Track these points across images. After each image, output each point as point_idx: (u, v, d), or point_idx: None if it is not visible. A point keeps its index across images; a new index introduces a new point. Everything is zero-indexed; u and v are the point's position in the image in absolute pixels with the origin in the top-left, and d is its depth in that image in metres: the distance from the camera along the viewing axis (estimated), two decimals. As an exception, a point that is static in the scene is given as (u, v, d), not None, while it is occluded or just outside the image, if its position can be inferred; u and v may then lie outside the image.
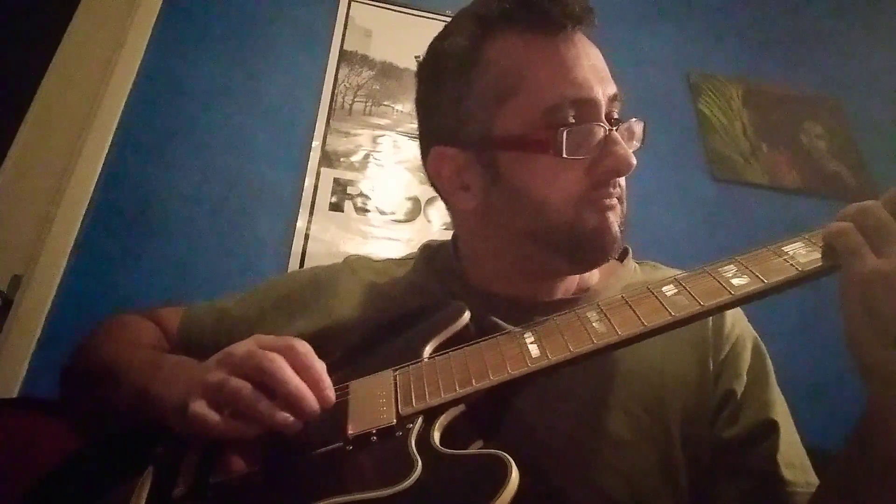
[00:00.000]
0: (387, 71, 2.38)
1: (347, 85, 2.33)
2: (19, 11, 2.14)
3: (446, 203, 0.97)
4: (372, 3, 2.48)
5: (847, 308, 0.59)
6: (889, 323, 0.56)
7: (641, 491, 0.77)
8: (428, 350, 0.76)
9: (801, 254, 0.63)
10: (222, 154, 2.10)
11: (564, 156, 0.79)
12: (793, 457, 0.80)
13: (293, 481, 0.68)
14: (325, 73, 2.31)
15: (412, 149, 2.18)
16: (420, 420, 0.67)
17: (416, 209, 2.17)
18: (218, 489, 0.69)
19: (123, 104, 2.07)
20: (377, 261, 1.07)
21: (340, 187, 2.15)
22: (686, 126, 2.55)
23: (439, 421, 0.67)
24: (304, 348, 0.73)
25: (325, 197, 2.12)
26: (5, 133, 1.97)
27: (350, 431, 0.68)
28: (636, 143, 0.86)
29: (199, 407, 0.69)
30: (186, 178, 2.03)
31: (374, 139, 2.26)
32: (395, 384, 0.73)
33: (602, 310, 0.69)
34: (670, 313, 0.65)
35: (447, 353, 0.75)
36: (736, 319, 0.90)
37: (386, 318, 0.88)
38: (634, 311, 0.67)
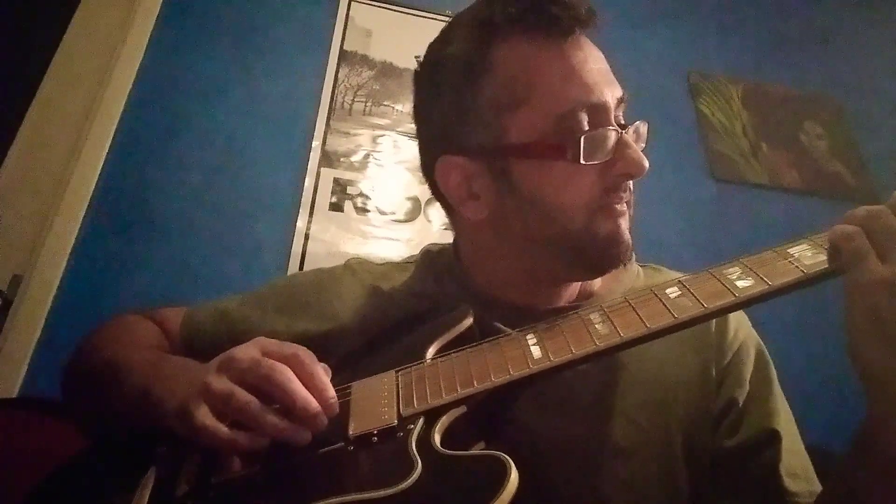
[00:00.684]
0: (387, 71, 2.38)
1: (347, 85, 2.33)
2: (19, 11, 2.14)
3: (452, 212, 0.95)
4: (372, 3, 2.48)
5: (851, 314, 0.59)
6: (893, 330, 0.56)
7: (642, 497, 0.77)
8: (431, 351, 0.76)
9: (807, 256, 0.63)
10: (222, 154, 2.10)
11: (583, 162, 0.78)
12: (796, 467, 0.79)
13: (294, 481, 0.68)
14: (325, 73, 2.31)
15: (412, 149, 2.17)
16: (421, 421, 0.67)
17: (416, 209, 2.17)
18: (219, 489, 0.69)
19: (123, 104, 2.07)
20: (378, 264, 1.06)
21: (340, 187, 2.15)
22: (686, 126, 2.55)
23: (441, 422, 0.67)
24: (309, 357, 0.72)
25: (325, 197, 2.12)
26: (5, 133, 1.97)
27: (351, 432, 0.68)
28: (642, 145, 0.86)
29: (205, 417, 0.68)
30: (186, 178, 2.03)
31: (374, 139, 2.26)
32: (398, 385, 0.73)
33: (605, 312, 0.69)
34: (673, 315, 0.65)
35: (449, 354, 0.75)
36: (740, 325, 0.89)
37: (389, 320, 0.88)
38: (637, 313, 0.67)
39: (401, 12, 2.48)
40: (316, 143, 2.19)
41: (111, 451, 0.83)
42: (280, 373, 0.69)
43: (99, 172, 1.96)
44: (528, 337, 0.71)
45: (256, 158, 2.12)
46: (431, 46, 0.92)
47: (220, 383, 0.69)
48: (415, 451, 0.64)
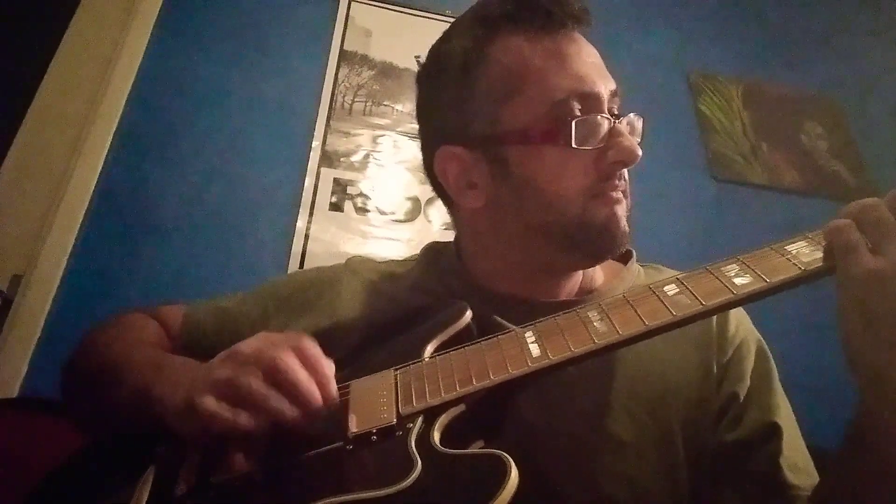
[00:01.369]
0: (387, 71, 2.38)
1: (347, 85, 2.33)
2: (19, 11, 2.14)
3: (451, 203, 0.97)
4: (372, 3, 2.48)
5: (842, 307, 0.59)
6: (883, 324, 0.56)
7: (643, 493, 0.77)
8: (429, 350, 0.76)
9: (805, 253, 0.63)
10: (222, 154, 2.09)
11: (574, 146, 0.80)
12: (797, 460, 0.80)
13: (293, 480, 0.68)
14: (325, 73, 2.31)
15: (412, 149, 2.18)
16: (420, 420, 0.67)
17: (416, 209, 2.17)
18: (219, 488, 0.69)
19: (123, 104, 2.07)
20: (379, 262, 1.07)
21: (340, 187, 2.15)
22: (686, 126, 2.55)
23: (440, 421, 0.67)
24: (312, 345, 0.73)
25: (325, 197, 2.12)
26: (5, 133, 1.97)
27: (350, 431, 0.68)
28: (637, 138, 0.87)
29: (208, 401, 0.68)
30: (186, 178, 2.03)
31: (374, 139, 2.26)
32: (396, 383, 0.73)
33: (603, 309, 0.69)
34: (672, 313, 0.65)
35: (448, 352, 0.75)
36: (740, 321, 0.90)
37: (387, 318, 0.88)
38: (636, 311, 0.67)
39: (401, 12, 2.48)
40: (316, 143, 2.19)
41: (110, 451, 0.83)
42: (283, 358, 0.69)
43: (99, 172, 1.96)
44: (527, 335, 0.71)
45: (256, 158, 2.12)
46: (433, 46, 0.96)
47: (224, 370, 0.70)
48: (414, 450, 0.64)
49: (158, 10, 2.23)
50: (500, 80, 0.84)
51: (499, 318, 0.82)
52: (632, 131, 0.87)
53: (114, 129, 2.03)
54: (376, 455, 0.66)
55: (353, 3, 2.45)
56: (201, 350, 0.87)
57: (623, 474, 0.77)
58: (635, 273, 0.97)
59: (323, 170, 2.15)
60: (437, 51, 0.94)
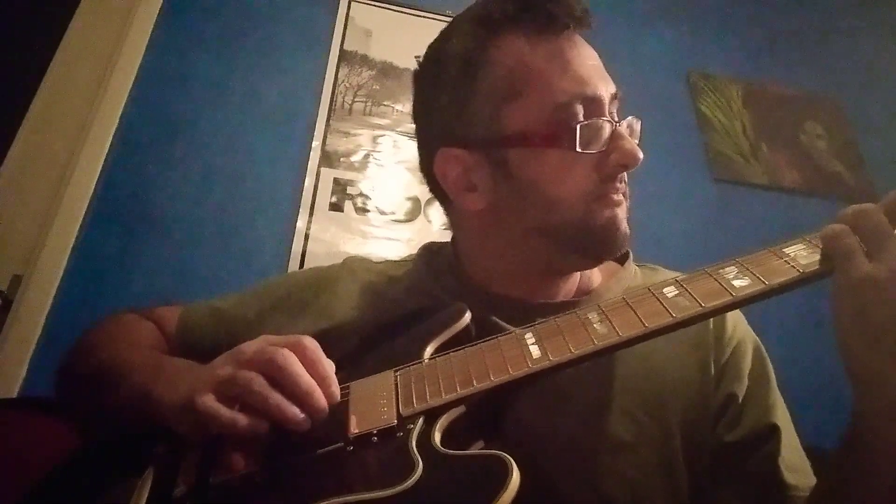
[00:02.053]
0: (387, 71, 2.38)
1: (347, 85, 2.33)
2: (19, 11, 2.14)
3: (450, 205, 0.96)
4: (372, 3, 2.48)
5: (838, 312, 0.60)
6: (879, 329, 0.57)
7: (642, 493, 0.77)
8: (429, 351, 0.76)
9: (803, 255, 0.63)
10: (222, 154, 2.10)
11: (578, 150, 0.80)
12: (795, 460, 0.80)
13: (294, 481, 0.68)
14: (325, 73, 2.31)
15: (412, 149, 2.17)
16: (421, 421, 0.67)
17: (416, 209, 2.17)
18: (218, 489, 0.69)
19: (123, 104, 2.07)
20: (376, 262, 1.07)
21: (340, 187, 2.15)
22: (686, 126, 2.55)
23: (440, 422, 0.67)
24: (313, 345, 0.73)
25: (325, 197, 2.12)
26: (5, 133, 1.97)
27: (351, 432, 0.68)
28: (636, 141, 0.87)
29: (209, 400, 0.68)
30: (186, 178, 2.04)
31: (374, 139, 2.26)
32: (396, 385, 0.73)
33: (603, 311, 0.69)
34: (671, 314, 0.65)
35: (448, 353, 0.75)
36: (737, 322, 0.90)
37: (387, 319, 0.88)
38: (635, 313, 0.67)
39: (401, 12, 2.48)
40: (316, 143, 2.19)
41: (110, 451, 0.83)
42: (285, 356, 0.69)
43: (99, 172, 1.96)
44: (527, 336, 0.71)
45: (256, 158, 2.12)
46: (431, 45, 0.95)
47: (225, 369, 0.70)
48: (415, 451, 0.64)
49: (158, 10, 2.23)
50: (502, 82, 0.84)
51: (496, 320, 0.82)
52: (631, 133, 0.87)
53: (114, 129, 2.03)
54: (377, 456, 0.66)
55: (353, 3, 2.45)
56: (197, 351, 0.87)
57: (622, 474, 0.77)
58: (632, 273, 0.97)
59: (323, 170, 2.15)
60: (436, 50, 0.94)
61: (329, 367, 0.72)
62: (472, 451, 0.68)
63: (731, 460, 0.80)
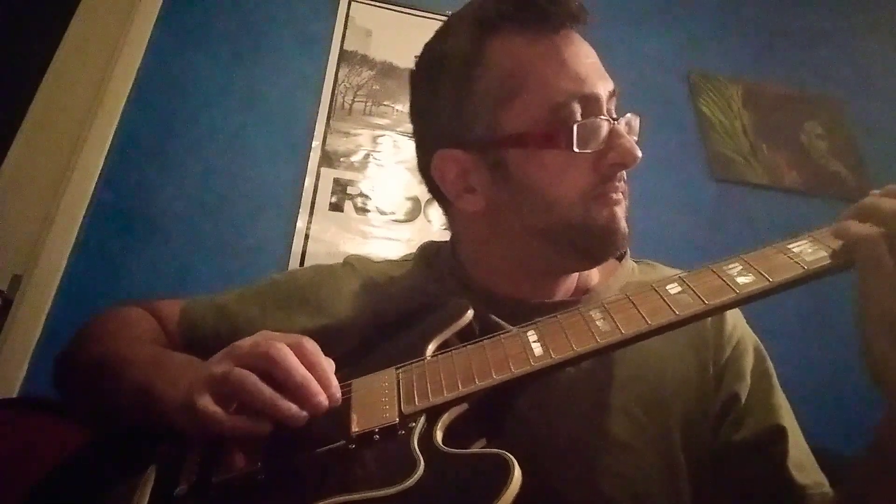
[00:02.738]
0: (387, 71, 2.38)
1: (347, 85, 2.32)
2: (19, 11, 2.14)
3: (448, 206, 0.96)
4: (372, 3, 2.48)
5: (867, 317, 0.58)
6: None
7: (642, 493, 0.77)
8: (431, 348, 0.76)
9: (808, 252, 0.63)
10: (222, 154, 2.09)
11: (576, 150, 0.80)
12: (802, 460, 0.80)
13: (295, 480, 0.67)
14: (325, 73, 2.31)
15: (412, 149, 2.16)
16: (423, 419, 0.67)
17: (416, 209, 2.17)
18: (220, 488, 0.69)
19: (123, 104, 2.07)
20: (376, 261, 1.07)
21: (340, 187, 2.15)
22: (686, 126, 2.55)
23: (442, 420, 0.67)
24: (312, 345, 0.72)
25: (325, 197, 2.12)
26: (5, 133, 1.97)
27: (353, 430, 0.68)
28: (635, 138, 0.87)
29: (206, 403, 0.68)
30: (186, 178, 2.03)
31: (374, 139, 2.26)
32: (398, 382, 0.73)
33: (606, 308, 0.69)
34: (674, 312, 0.65)
35: (450, 351, 0.75)
36: (736, 321, 0.90)
37: (388, 317, 0.88)
38: (638, 310, 0.67)
39: (401, 12, 2.48)
40: (316, 143, 2.18)
41: (111, 450, 0.83)
42: (278, 350, 0.69)
43: (99, 172, 1.96)
44: (530, 334, 0.71)
45: (256, 159, 2.11)
46: (427, 45, 0.94)
47: (221, 366, 0.70)
48: (417, 450, 0.64)
49: (158, 10, 2.23)
50: (499, 82, 0.83)
51: (496, 318, 0.82)
52: (629, 131, 0.86)
53: (114, 129, 2.02)
54: (379, 454, 0.66)
55: (353, 3, 2.45)
56: (198, 345, 0.87)
57: (623, 475, 0.77)
58: (630, 270, 0.97)
59: (323, 170, 2.15)
60: (431, 51, 0.93)
61: (329, 367, 0.72)
62: (474, 449, 0.67)
63: (737, 461, 0.80)
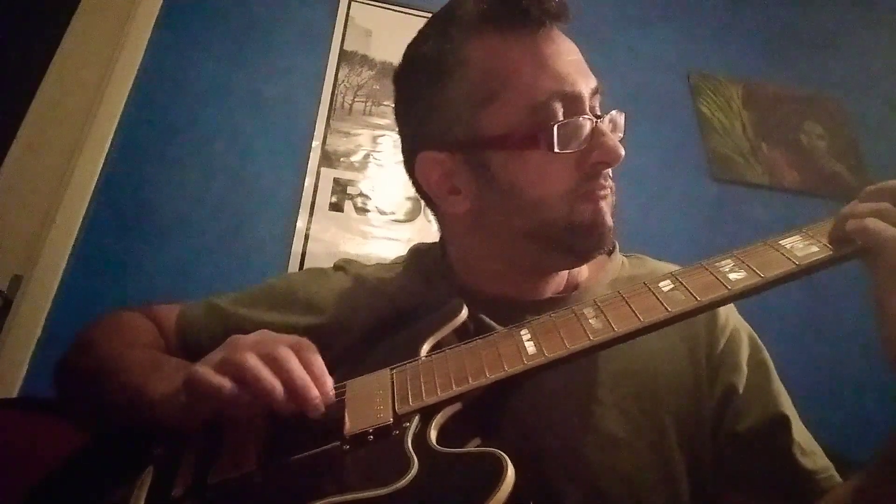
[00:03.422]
0: (387, 71, 2.37)
1: (347, 85, 2.33)
2: (19, 11, 2.14)
3: (435, 208, 0.96)
4: (372, 3, 2.48)
5: (890, 315, 0.57)
6: None
7: (638, 488, 0.77)
8: (425, 348, 0.77)
9: (799, 248, 0.63)
10: (222, 154, 2.10)
11: (557, 150, 0.79)
12: (807, 445, 0.81)
13: (291, 481, 0.68)
14: (325, 73, 2.31)
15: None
16: (417, 419, 0.67)
17: (416, 209, 2.17)
18: (216, 489, 0.69)
19: (123, 104, 2.07)
20: (367, 265, 1.07)
21: (340, 187, 2.15)
22: (686, 126, 2.55)
23: (436, 419, 0.67)
24: (309, 346, 0.73)
25: (325, 197, 2.12)
26: (5, 133, 1.98)
27: (347, 430, 0.68)
28: (620, 135, 0.86)
29: (207, 371, 0.68)
30: (186, 178, 2.03)
31: (374, 139, 2.26)
32: (392, 383, 0.73)
33: (598, 306, 0.69)
34: (667, 309, 0.65)
35: (444, 351, 0.75)
36: (729, 313, 0.90)
37: (382, 318, 0.88)
38: (631, 308, 0.67)
39: (401, 12, 2.48)
40: (316, 143, 2.19)
41: (109, 452, 0.83)
42: (282, 351, 0.69)
43: (99, 172, 1.96)
44: (523, 332, 0.71)
45: (256, 158, 2.12)
46: (408, 46, 0.93)
47: (221, 353, 0.71)
48: (411, 449, 0.64)
49: (158, 9, 2.23)
50: (479, 83, 0.83)
51: (485, 318, 0.82)
52: (614, 128, 0.86)
53: (114, 129, 2.03)
54: (373, 454, 0.66)
55: (353, 3, 2.46)
56: (195, 349, 0.87)
57: (618, 471, 0.77)
58: (619, 265, 0.97)
59: (323, 170, 2.15)
60: (412, 51, 0.92)
61: (323, 368, 0.72)
62: (468, 448, 0.67)
63: (742, 452, 0.80)
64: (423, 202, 0.99)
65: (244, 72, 2.23)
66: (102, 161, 1.98)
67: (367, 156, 2.23)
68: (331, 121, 2.24)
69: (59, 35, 2.14)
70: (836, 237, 0.63)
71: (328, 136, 2.22)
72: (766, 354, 0.89)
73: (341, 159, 2.20)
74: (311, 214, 2.07)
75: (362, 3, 2.47)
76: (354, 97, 2.31)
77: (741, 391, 0.83)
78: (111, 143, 2.01)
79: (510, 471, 0.57)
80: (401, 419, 0.68)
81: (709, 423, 0.82)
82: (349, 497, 0.61)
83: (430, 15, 0.94)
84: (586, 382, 0.81)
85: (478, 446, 0.68)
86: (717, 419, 0.82)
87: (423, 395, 0.69)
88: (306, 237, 2.04)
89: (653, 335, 0.68)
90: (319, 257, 1.99)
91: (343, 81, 2.32)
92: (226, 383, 0.67)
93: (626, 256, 0.99)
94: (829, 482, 0.78)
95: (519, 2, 0.82)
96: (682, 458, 0.80)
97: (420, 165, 0.89)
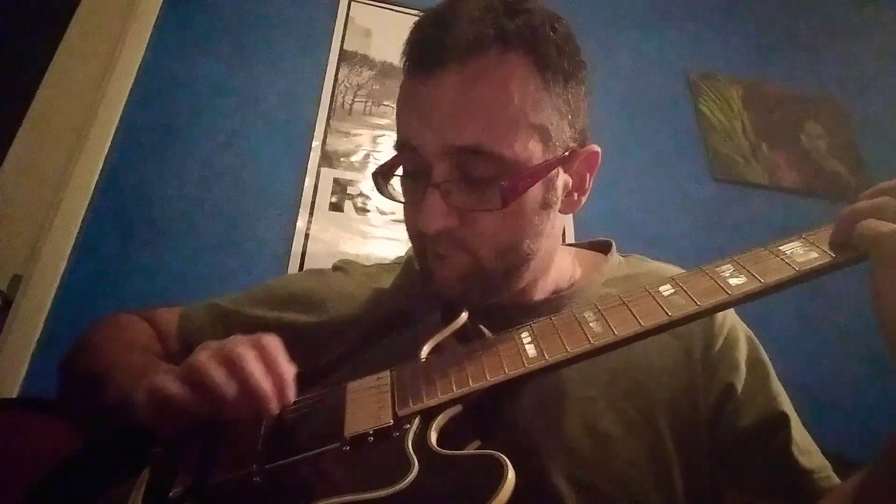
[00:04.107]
0: (387, 71, 2.38)
1: (347, 85, 2.33)
2: (19, 11, 2.14)
3: None
4: (372, 3, 2.48)
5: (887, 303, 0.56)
6: None
7: (634, 487, 0.77)
8: (425, 350, 0.76)
9: (799, 253, 0.63)
10: (222, 154, 2.10)
11: (401, 200, 0.84)
12: (806, 445, 0.81)
13: (290, 482, 0.67)
14: (325, 73, 2.31)
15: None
16: (417, 420, 0.67)
17: (416, 209, 2.16)
18: (215, 490, 0.69)
19: (123, 104, 2.07)
20: (367, 265, 1.07)
21: (340, 187, 2.15)
22: (686, 126, 2.55)
23: (436, 421, 0.67)
24: (274, 344, 0.71)
25: (325, 197, 2.12)
26: (5, 133, 1.98)
27: (347, 432, 0.68)
28: (463, 205, 0.78)
29: (162, 379, 0.68)
30: (186, 178, 2.04)
31: (374, 139, 2.26)
32: (393, 385, 0.73)
33: (599, 310, 0.69)
34: (667, 313, 0.65)
35: (444, 353, 0.75)
36: (726, 312, 0.90)
37: (382, 318, 0.88)
38: (631, 312, 0.67)
39: (401, 12, 2.48)
40: (316, 143, 2.19)
41: (108, 452, 0.83)
42: (239, 353, 0.68)
43: (99, 172, 1.96)
44: (523, 335, 0.71)
45: (256, 158, 2.12)
46: None
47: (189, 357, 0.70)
48: (411, 451, 0.64)
49: (158, 10, 2.23)
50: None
51: (481, 326, 0.81)
52: (449, 199, 0.78)
53: (114, 129, 2.03)
54: (373, 456, 0.66)
55: (353, 3, 2.46)
56: None
57: (615, 470, 0.78)
58: (615, 265, 0.97)
59: (323, 170, 2.16)
60: None
61: (287, 368, 0.70)
62: (468, 450, 0.67)
63: (741, 450, 0.81)
64: None
65: (244, 72, 2.23)
66: (102, 161, 1.98)
67: (367, 156, 2.23)
68: (331, 121, 2.24)
69: (59, 35, 2.14)
70: (836, 242, 0.63)
71: (328, 136, 2.22)
72: (764, 354, 0.89)
73: (341, 159, 2.20)
74: (311, 214, 2.07)
75: (362, 3, 2.47)
76: (354, 97, 2.31)
77: (740, 390, 0.83)
78: (111, 143, 2.01)
79: (510, 473, 0.57)
80: (401, 421, 0.68)
81: (705, 421, 0.82)
82: (349, 498, 0.61)
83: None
84: (584, 383, 0.81)
85: (478, 448, 0.68)
86: (715, 418, 0.82)
87: (424, 397, 0.69)
88: (306, 237, 2.04)
89: None
90: (319, 257, 1.99)
91: (343, 81, 2.32)
92: (177, 390, 0.67)
93: (624, 257, 0.99)
94: (828, 482, 0.78)
95: (418, 43, 0.80)
96: (677, 456, 0.80)
97: None
